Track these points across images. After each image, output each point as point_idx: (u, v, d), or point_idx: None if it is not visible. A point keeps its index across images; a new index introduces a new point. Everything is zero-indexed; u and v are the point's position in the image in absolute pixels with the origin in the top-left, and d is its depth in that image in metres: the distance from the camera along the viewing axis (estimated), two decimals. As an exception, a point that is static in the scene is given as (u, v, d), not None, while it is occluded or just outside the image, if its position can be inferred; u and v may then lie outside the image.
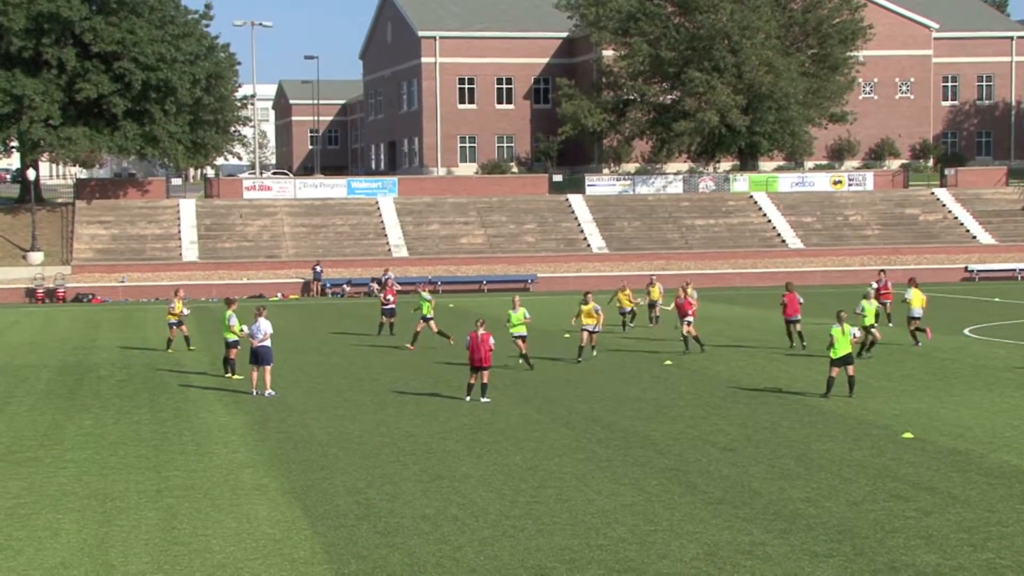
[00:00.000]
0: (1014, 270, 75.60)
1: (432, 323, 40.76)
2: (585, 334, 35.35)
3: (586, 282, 72.21)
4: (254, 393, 29.28)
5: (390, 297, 44.16)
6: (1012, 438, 22.79)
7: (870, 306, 34.92)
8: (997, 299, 58.11)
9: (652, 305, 45.69)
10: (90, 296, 68.42)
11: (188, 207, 76.73)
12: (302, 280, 70.93)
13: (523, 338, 33.71)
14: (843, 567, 14.77)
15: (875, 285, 42.66)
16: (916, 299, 37.75)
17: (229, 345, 32.42)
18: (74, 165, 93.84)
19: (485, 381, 27.79)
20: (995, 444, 22.23)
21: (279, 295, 68.48)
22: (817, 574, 14.52)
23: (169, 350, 39.67)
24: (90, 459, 21.99)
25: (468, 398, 27.85)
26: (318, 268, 70.32)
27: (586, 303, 35.40)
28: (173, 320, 39.80)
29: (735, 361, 35.19)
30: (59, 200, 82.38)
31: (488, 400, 27.63)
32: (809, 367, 32.82)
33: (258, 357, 29.33)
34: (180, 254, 72.83)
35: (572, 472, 20.21)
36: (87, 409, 27.93)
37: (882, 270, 47.16)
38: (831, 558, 15.14)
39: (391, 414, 26.47)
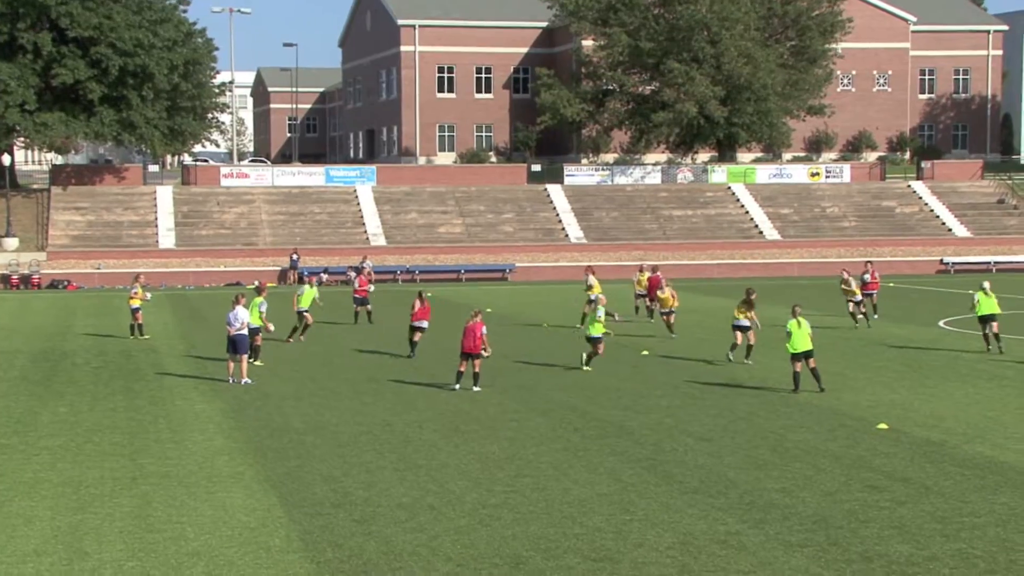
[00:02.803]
0: (989, 263, 75.94)
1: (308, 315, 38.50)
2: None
3: (565, 272, 72.30)
4: (231, 381, 29.20)
5: (365, 287, 44.19)
6: (985, 429, 22.93)
7: (986, 298, 34.09)
8: (972, 292, 58.26)
9: (641, 295, 45.34)
10: (65, 283, 68.08)
11: (165, 194, 76.41)
12: (280, 268, 70.70)
13: (599, 340, 30.89)
14: (817, 557, 14.82)
15: (866, 277, 43.25)
16: (596, 287, 41.25)
17: (252, 332, 32.29)
18: (50, 151, 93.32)
19: (477, 370, 27.74)
20: (968, 435, 22.35)
21: (256, 283, 68.17)
22: (791, 564, 14.57)
23: (143, 336, 39.56)
24: (64, 446, 21.90)
25: (457, 386, 27.78)
26: (295, 257, 70.06)
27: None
28: (137, 306, 39.61)
29: (712, 352, 35.23)
30: (34, 186, 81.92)
31: (479, 389, 27.60)
32: (786, 360, 32.81)
33: (235, 345, 29.24)
34: (157, 241, 72.51)
35: (549, 461, 20.23)
36: (61, 396, 27.81)
37: (869, 261, 47.42)
38: (805, 548, 15.19)
39: (368, 402, 26.45)
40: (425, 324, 34.10)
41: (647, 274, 44.96)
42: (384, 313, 45.17)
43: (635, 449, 21.25)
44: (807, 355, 27.30)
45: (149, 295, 41.44)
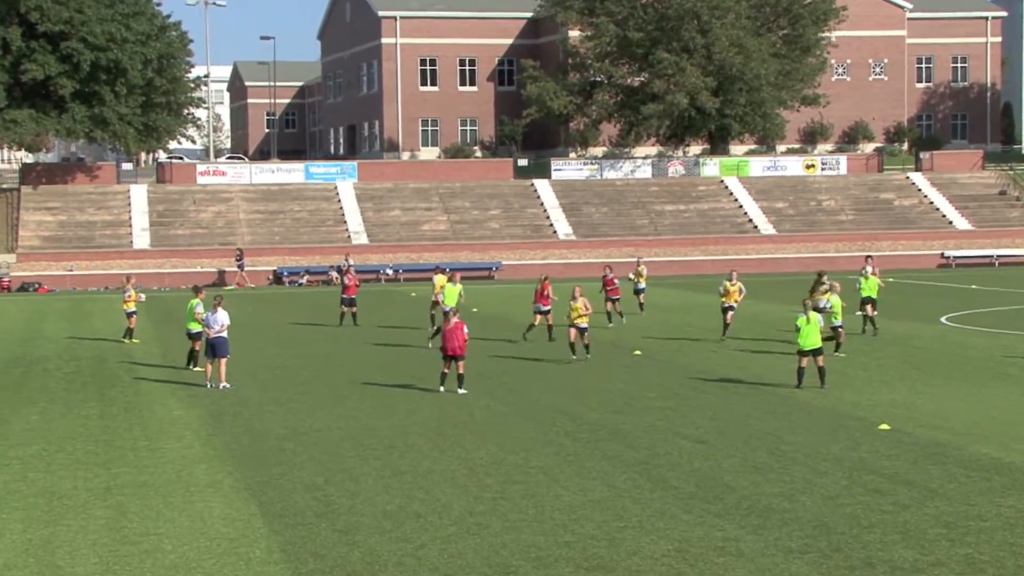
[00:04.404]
0: (991, 256, 76.07)
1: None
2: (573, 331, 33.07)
3: (553, 269, 72.22)
4: (209, 386, 29.08)
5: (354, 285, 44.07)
6: (991, 429, 22.88)
7: (867, 282, 37.98)
8: (974, 286, 58.42)
9: (638, 291, 45.63)
10: (36, 285, 67.83)
11: (139, 193, 76.18)
12: (268, 269, 70.44)
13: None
14: (818, 563, 14.74)
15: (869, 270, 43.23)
16: (439, 286, 39.85)
17: (192, 336, 32.09)
18: (20, 149, 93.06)
19: (461, 371, 27.72)
20: (974, 436, 22.29)
21: (235, 284, 68.09)
22: (792, 570, 14.49)
23: (133, 340, 39.27)
24: (36, 455, 21.73)
25: (442, 388, 27.75)
26: (241, 257, 68.91)
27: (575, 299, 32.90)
28: (132, 309, 39.46)
29: (705, 351, 35.19)
30: (4, 185, 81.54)
31: (465, 391, 27.55)
32: (783, 358, 32.82)
33: (214, 349, 29.17)
34: (131, 241, 72.29)
35: (538, 467, 20.14)
36: (33, 403, 27.64)
37: (868, 255, 47.50)
38: (806, 554, 15.11)
39: (351, 407, 26.35)
40: (545, 308, 36.30)
41: (644, 268, 45.60)
42: (369, 315, 45.00)
43: (628, 453, 21.16)
44: (816, 352, 27.37)
45: (143, 296, 41.34)
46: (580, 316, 32.55)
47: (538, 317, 36.92)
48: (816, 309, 33.60)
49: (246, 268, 68.94)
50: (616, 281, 41.68)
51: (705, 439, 22.28)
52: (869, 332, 37.62)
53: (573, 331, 32.96)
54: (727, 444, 21.80)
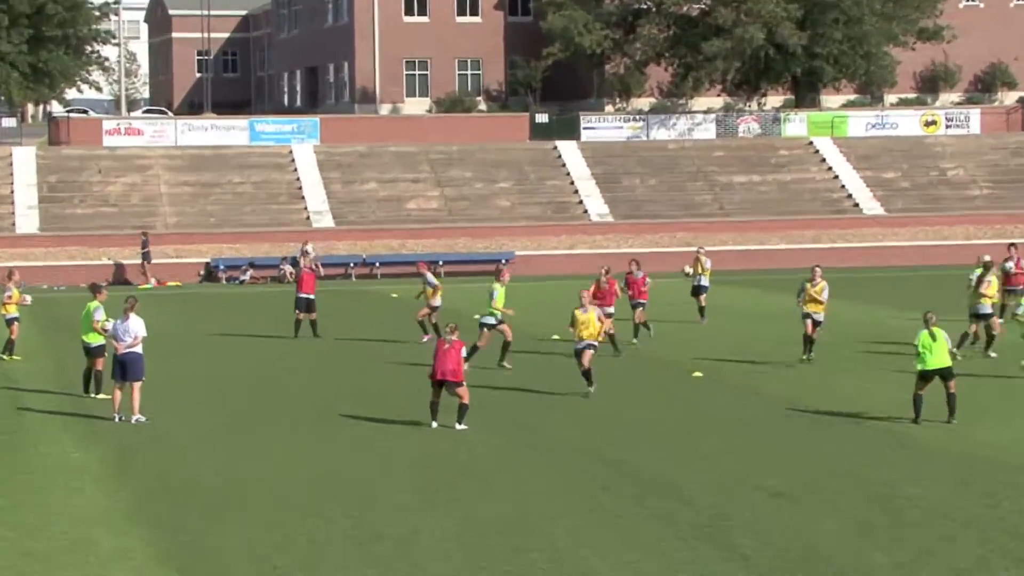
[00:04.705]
0: None
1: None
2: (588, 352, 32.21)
3: (583, 261, 72.13)
4: (117, 418, 29.06)
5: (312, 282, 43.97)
6: None
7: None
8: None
9: (699, 291, 45.60)
10: None
11: (25, 158, 76.21)
12: (198, 261, 70.54)
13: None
14: (947, 663, 14.68)
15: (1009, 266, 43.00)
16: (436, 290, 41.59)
17: (92, 352, 32.04)
18: None
19: (465, 400, 27.83)
20: None
21: (152, 281, 68.16)
22: (911, 673, 14.40)
23: (14, 356, 39.34)
24: None
25: (435, 423, 27.88)
26: (147, 243, 68.49)
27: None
28: (13, 315, 39.54)
29: (788, 372, 35.10)
30: None
31: (465, 427, 27.68)
32: (896, 383, 32.69)
33: (124, 369, 29.13)
34: (13, 223, 72.35)
35: (565, 528, 20.15)
36: None
37: (1013, 244, 47.35)
38: (930, 650, 15.05)
39: (310, 447, 26.37)
40: (608, 310, 36.64)
41: (706, 259, 45.40)
42: (335, 323, 44.99)
43: (685, 511, 21.21)
44: (943, 375, 27.36)
45: (28, 298, 41.27)
46: (591, 332, 31.81)
47: (607, 322, 35.76)
48: (977, 315, 36.31)
49: (155, 260, 68.78)
50: (647, 281, 41.05)
51: (790, 492, 22.27)
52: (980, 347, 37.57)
53: (588, 353, 31.94)
54: (820, 499, 21.81)
